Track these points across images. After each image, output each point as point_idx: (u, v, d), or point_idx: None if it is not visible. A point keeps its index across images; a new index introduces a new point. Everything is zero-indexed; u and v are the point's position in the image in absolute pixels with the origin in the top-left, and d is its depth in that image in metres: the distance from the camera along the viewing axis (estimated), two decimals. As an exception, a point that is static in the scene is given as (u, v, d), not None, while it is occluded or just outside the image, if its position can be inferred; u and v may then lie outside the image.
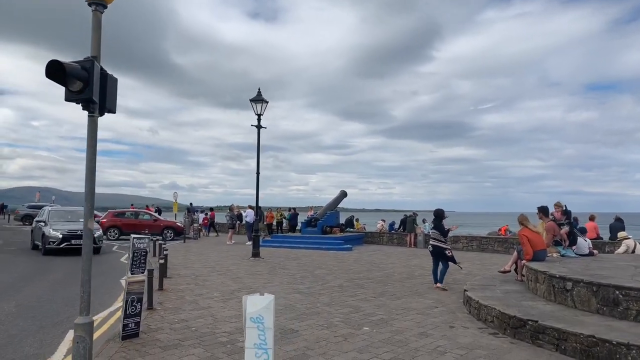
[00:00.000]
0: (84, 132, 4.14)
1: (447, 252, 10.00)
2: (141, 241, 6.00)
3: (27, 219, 34.31)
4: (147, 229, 24.16)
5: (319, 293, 9.15)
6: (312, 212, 23.62)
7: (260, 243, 20.02)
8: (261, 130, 15.48)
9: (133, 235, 6.03)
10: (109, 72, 4.22)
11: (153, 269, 7.62)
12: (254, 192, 15.50)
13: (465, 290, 8.22)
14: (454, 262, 10.09)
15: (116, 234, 23.87)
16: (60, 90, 3.99)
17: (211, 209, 31.24)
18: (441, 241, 10.05)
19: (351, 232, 23.14)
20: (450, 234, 11.94)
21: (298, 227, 24.33)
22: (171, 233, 24.86)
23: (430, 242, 10.27)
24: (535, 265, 8.05)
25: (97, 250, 16.09)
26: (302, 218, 24.58)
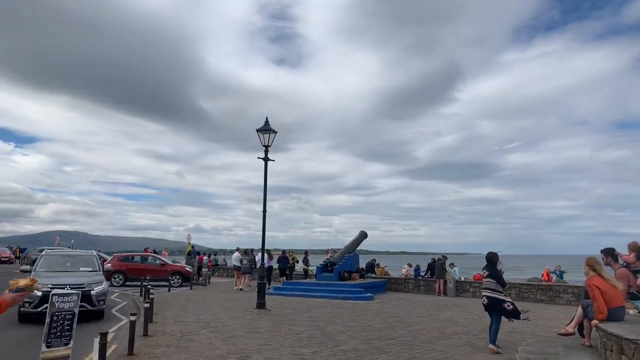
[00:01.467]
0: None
1: (505, 306, 7.96)
2: (66, 299, 4.27)
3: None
4: (153, 273, 22.69)
5: (327, 362, 7.16)
6: (328, 256, 21.61)
7: (272, 291, 18.14)
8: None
9: (54, 292, 4.30)
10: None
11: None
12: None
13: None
14: (517, 316, 8.02)
15: (121, 279, 22.31)
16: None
17: (204, 253, 29.35)
18: (498, 292, 8.05)
19: (373, 278, 20.95)
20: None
21: (312, 272, 22.25)
22: (179, 278, 23.18)
23: (484, 293, 8.25)
24: (617, 329, 5.92)
25: (97, 315, 11.47)
26: (317, 261, 22.57)
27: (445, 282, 18.30)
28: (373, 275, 21.57)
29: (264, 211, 13.70)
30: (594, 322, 6.65)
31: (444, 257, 18.98)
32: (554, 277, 18.11)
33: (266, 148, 13.87)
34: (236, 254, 21.63)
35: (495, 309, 8.11)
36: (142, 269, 23.03)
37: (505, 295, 8.17)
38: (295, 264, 22.68)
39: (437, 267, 18.55)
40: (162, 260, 24.24)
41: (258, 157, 13.95)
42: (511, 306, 8.00)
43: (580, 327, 7.50)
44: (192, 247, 28.35)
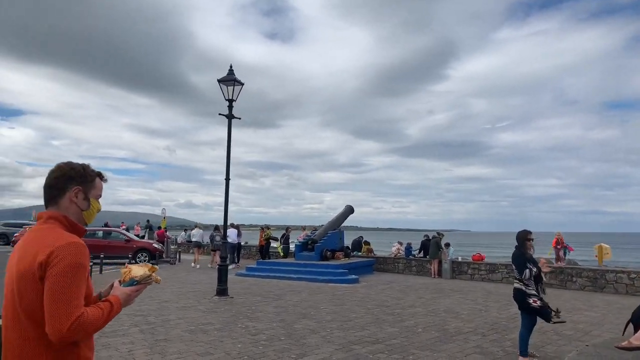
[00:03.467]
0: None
1: (531, 301, 5.78)
2: None
3: (2, 238, 30.81)
4: (116, 250, 20.48)
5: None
6: (305, 233, 19.39)
7: (244, 272, 15.93)
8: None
9: None
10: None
11: None
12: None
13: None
14: (547, 317, 5.86)
15: (80, 257, 20.01)
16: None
17: (160, 227, 27.10)
18: (525, 283, 5.89)
19: (359, 257, 18.82)
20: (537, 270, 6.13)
21: (291, 251, 20.03)
22: (146, 256, 20.94)
23: (514, 284, 6.09)
24: None
25: None
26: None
27: (440, 262, 16.22)
28: (360, 254, 19.43)
29: (227, 179, 11.32)
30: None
31: (440, 234, 16.75)
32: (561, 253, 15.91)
33: (230, 103, 11.39)
34: (196, 229, 20.27)
35: (519, 304, 5.96)
36: (103, 246, 20.75)
37: (532, 289, 5.96)
38: (272, 241, 20.67)
39: (432, 245, 16.34)
40: (127, 236, 21.89)
41: (220, 114, 11.48)
42: (538, 303, 5.82)
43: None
44: (148, 221, 26.97)
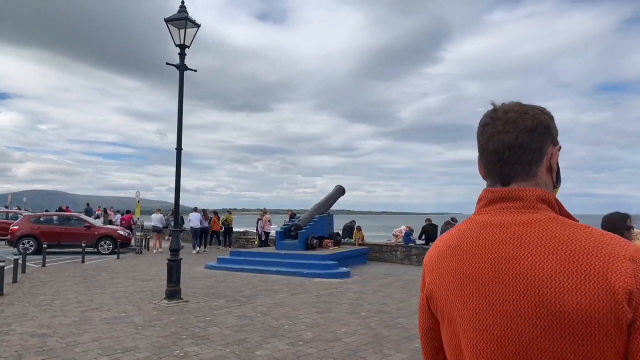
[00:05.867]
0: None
1: None
2: None
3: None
4: (76, 238, 18.00)
5: None
6: (291, 216, 17.05)
7: (214, 264, 13.47)
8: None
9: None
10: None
11: None
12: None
13: None
14: None
15: (32, 245, 17.44)
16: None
17: (128, 212, 25.02)
18: None
19: (353, 245, 16.41)
20: None
21: (272, 236, 17.62)
22: (109, 244, 18.46)
23: None
24: None
25: None
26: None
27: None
28: (352, 240, 17.00)
29: (179, 149, 8.74)
30: None
31: (454, 219, 14.20)
32: None
33: (182, 49, 8.75)
34: (155, 214, 18.89)
35: None
36: (61, 233, 18.37)
37: None
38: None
39: (442, 232, 13.86)
40: (89, 222, 19.30)
41: (167, 63, 8.84)
42: None
43: None
44: (87, 204, 25.57)
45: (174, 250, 8.47)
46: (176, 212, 8.82)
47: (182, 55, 8.75)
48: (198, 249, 18.67)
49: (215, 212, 20.77)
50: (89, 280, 10.76)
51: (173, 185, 8.79)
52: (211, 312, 7.55)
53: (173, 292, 8.32)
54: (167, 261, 8.46)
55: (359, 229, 17.08)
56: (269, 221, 18.10)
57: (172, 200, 8.90)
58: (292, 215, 18.25)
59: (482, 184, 1.12)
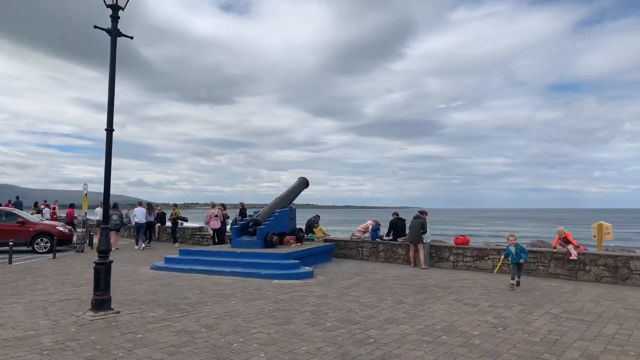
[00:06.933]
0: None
1: None
2: None
3: None
4: (8, 235, 15.99)
5: None
6: (242, 210, 15.80)
7: (161, 264, 12.03)
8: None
9: None
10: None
11: None
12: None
13: None
14: None
15: (-46, 245, 15.39)
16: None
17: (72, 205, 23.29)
18: None
19: (315, 241, 15.28)
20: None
21: (228, 232, 16.27)
22: (46, 241, 16.60)
23: None
24: None
25: None
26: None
27: (422, 247, 12.78)
28: (316, 237, 15.85)
29: (109, 130, 7.30)
30: None
31: (424, 212, 13.26)
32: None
33: (114, 11, 7.29)
34: (99, 208, 17.22)
35: None
36: (-8, 229, 16.35)
37: None
38: (182, 222, 19.34)
39: (414, 226, 12.76)
40: (23, 217, 17.29)
41: (95, 26, 7.36)
42: None
43: None
44: (17, 197, 24.39)
45: (103, 252, 7.05)
46: (105, 206, 7.37)
47: (114, 17, 7.29)
48: (144, 244, 17.66)
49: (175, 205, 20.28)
50: (6, 286, 9.13)
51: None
52: (145, 327, 6.22)
53: (101, 302, 6.91)
54: (93, 265, 7.03)
55: (316, 224, 15.94)
56: (216, 216, 16.51)
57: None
58: (243, 209, 16.96)
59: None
